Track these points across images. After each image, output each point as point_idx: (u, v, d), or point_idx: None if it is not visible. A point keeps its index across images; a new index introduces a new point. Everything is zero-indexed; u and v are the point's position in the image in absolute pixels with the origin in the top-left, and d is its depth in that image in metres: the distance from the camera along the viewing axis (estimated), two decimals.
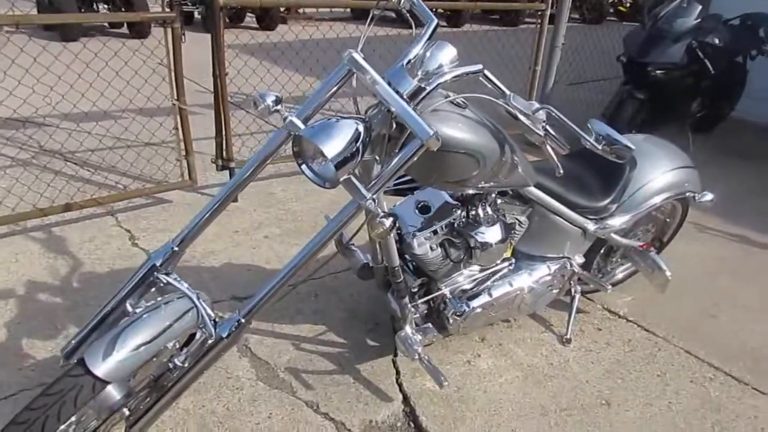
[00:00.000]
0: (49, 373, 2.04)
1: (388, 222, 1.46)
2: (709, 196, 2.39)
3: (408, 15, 1.64)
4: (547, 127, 1.61)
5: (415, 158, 1.44)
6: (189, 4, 8.43)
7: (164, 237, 2.97)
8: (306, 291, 2.62)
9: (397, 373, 2.16)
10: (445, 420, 1.95)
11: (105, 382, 1.34)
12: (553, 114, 1.57)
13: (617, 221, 2.24)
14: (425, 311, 2.09)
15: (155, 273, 1.58)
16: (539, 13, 4.22)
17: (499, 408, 2.01)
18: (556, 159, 1.63)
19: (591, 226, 2.21)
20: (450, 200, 1.97)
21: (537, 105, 1.59)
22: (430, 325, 2.10)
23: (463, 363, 2.22)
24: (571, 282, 2.36)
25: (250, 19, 10.30)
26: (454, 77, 1.49)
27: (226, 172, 3.42)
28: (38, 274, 2.62)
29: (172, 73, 2.96)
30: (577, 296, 2.41)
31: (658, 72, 3.94)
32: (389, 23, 4.16)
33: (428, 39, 1.54)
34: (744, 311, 2.64)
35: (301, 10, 11.16)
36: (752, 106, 5.09)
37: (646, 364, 2.26)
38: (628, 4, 13.65)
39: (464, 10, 9.80)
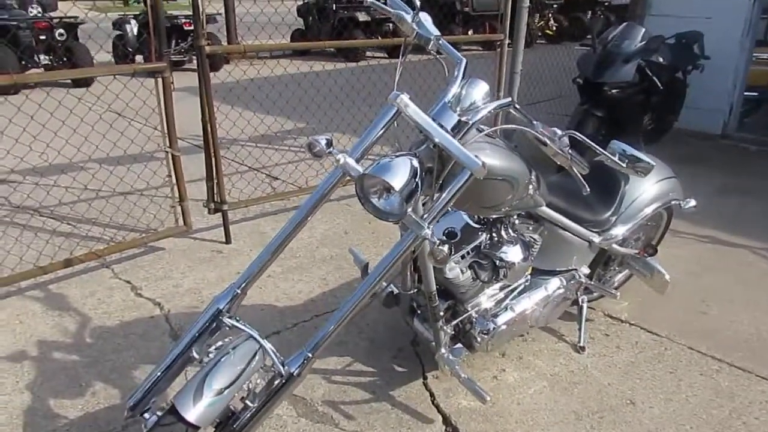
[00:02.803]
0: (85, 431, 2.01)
1: (446, 249, 1.56)
2: (693, 203, 2.60)
3: (436, 55, 1.76)
4: (570, 150, 1.76)
5: (464, 188, 1.56)
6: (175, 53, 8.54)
7: (167, 285, 2.96)
8: (321, 325, 2.66)
9: (431, 395, 2.23)
10: None
11: (196, 428, 1.36)
12: (578, 137, 1.72)
13: (618, 232, 2.41)
14: (452, 333, 2.19)
15: (220, 317, 1.60)
16: (498, 43, 4.46)
17: (535, 418, 2.11)
18: (581, 179, 1.78)
19: (596, 239, 2.37)
20: (473, 224, 2.09)
21: (559, 132, 1.75)
22: (460, 345, 2.20)
23: (490, 379, 2.32)
24: (578, 292, 2.52)
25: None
26: (491, 111, 1.63)
27: (218, 216, 3.43)
28: (47, 333, 2.56)
29: (164, 122, 2.97)
30: (585, 305, 2.56)
31: (613, 91, 4.24)
32: (328, 57, 4.30)
33: (462, 77, 1.66)
34: (730, 305, 2.86)
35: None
36: (690, 117, 5.50)
37: (657, 363, 2.42)
38: (554, 28, 14.49)
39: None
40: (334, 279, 3.05)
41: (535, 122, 1.72)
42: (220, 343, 1.62)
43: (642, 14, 5.69)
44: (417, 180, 1.46)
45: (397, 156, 1.50)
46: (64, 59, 8.12)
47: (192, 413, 1.35)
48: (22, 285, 2.90)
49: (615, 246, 2.47)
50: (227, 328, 1.61)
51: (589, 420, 2.10)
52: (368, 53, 11.36)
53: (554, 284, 2.33)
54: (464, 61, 1.70)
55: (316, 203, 1.62)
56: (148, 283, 2.99)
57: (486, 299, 2.20)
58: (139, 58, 9.13)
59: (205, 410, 1.37)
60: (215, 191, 3.30)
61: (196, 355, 1.58)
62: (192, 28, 8.99)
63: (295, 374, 1.55)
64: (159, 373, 1.59)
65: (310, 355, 1.57)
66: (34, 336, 2.54)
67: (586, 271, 2.48)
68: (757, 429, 2.08)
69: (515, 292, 2.26)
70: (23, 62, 7.91)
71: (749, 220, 3.86)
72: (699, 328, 2.67)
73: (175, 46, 8.99)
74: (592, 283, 2.49)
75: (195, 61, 9.20)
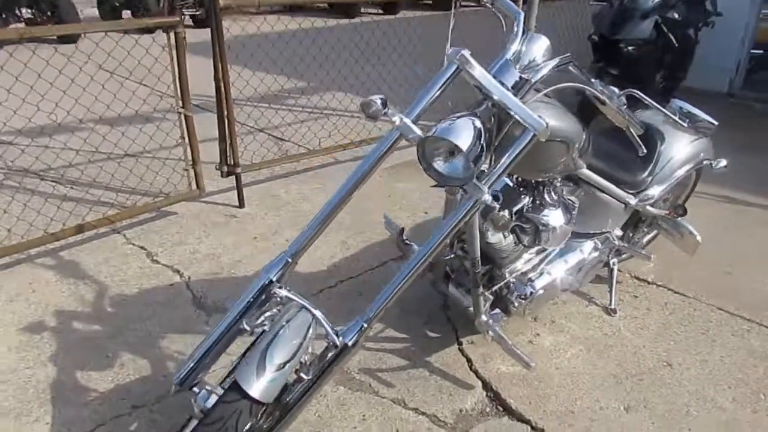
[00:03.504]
0: (118, 405, 1.95)
1: (507, 214, 1.50)
2: (723, 163, 2.56)
3: (493, 9, 1.66)
4: (627, 109, 1.70)
5: (526, 150, 1.49)
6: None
7: (183, 251, 2.88)
8: (348, 291, 2.62)
9: (468, 360, 2.20)
10: (531, 399, 2.02)
11: (261, 404, 1.31)
12: (638, 96, 1.65)
13: (653, 192, 2.37)
14: (492, 299, 2.15)
15: (270, 287, 1.53)
16: None
17: (576, 381, 2.09)
18: (638, 139, 1.72)
19: (632, 200, 2.32)
20: (515, 187, 2.03)
21: (617, 90, 1.67)
22: (498, 310, 2.16)
23: (526, 343, 2.29)
24: (609, 255, 2.48)
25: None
26: (552, 68, 1.55)
27: (229, 179, 3.32)
28: (63, 302, 2.48)
29: (177, 81, 2.84)
30: (615, 268, 2.53)
31: (629, 48, 4.15)
32: (320, 13, 4.16)
33: (523, 32, 1.57)
34: (752, 264, 2.86)
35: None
36: (697, 74, 5.43)
37: (688, 324, 2.41)
38: None
39: None
40: (355, 243, 2.98)
41: (593, 80, 1.64)
42: (269, 314, 1.55)
43: None
44: (482, 141, 1.39)
45: (458, 117, 1.42)
46: (49, 14, 7.77)
47: (256, 389, 1.30)
48: (32, 252, 2.80)
49: (648, 207, 2.43)
50: (278, 299, 1.54)
51: (629, 383, 2.09)
52: (363, 9, 11.05)
53: (589, 247, 2.30)
54: (522, 14, 1.61)
55: (372, 167, 1.54)
56: (163, 249, 2.90)
57: (522, 263, 2.16)
58: (126, 13, 8.76)
59: (268, 386, 1.32)
60: (228, 154, 3.19)
61: (247, 328, 1.51)
62: None
63: (350, 344, 1.50)
64: (207, 347, 1.53)
65: (365, 324, 1.52)
66: (51, 305, 2.45)
67: (619, 233, 2.45)
68: None
69: (551, 256, 2.22)
70: (3, 16, 7.57)
71: (762, 179, 3.84)
72: (725, 288, 2.66)
73: (164, 1, 8.63)
74: (627, 245, 2.45)
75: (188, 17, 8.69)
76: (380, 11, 10.79)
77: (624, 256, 2.59)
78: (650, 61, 4.31)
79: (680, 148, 2.45)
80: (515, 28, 1.59)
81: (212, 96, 3.10)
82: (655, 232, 2.76)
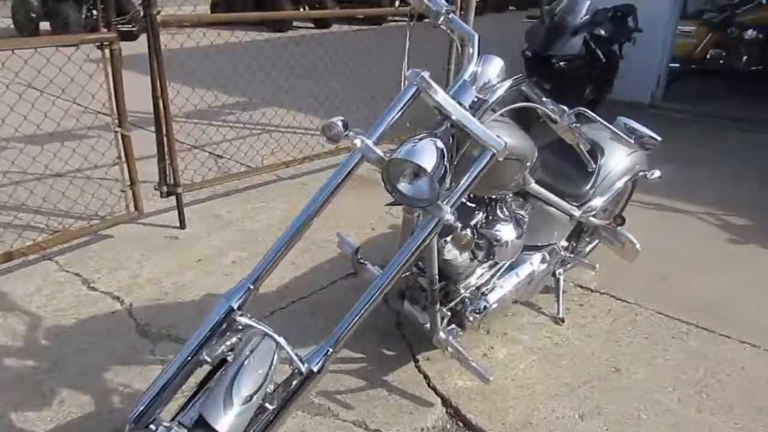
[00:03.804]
0: None
1: (470, 233, 1.51)
2: (657, 173, 2.69)
3: (447, 30, 1.68)
4: (577, 126, 1.76)
5: (487, 168, 1.51)
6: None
7: (123, 276, 2.74)
8: (299, 311, 2.57)
9: (426, 377, 2.20)
10: (490, 413, 2.03)
11: None
12: (587, 114, 1.71)
13: (596, 204, 2.46)
14: (450, 315, 2.16)
15: (231, 315, 1.48)
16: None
17: (532, 392, 2.13)
18: (587, 155, 1.78)
19: (577, 212, 2.40)
20: (469, 203, 2.05)
21: (567, 109, 1.73)
22: (453, 325, 2.17)
23: (481, 357, 2.32)
24: (556, 265, 2.55)
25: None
26: (508, 89, 1.58)
27: (167, 199, 3.20)
28: None
29: (113, 98, 2.72)
30: (561, 278, 2.60)
31: (561, 63, 4.32)
32: (253, 26, 4.11)
33: (478, 54, 1.60)
34: (685, 269, 3.01)
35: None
36: (621, 87, 5.71)
37: (632, 330, 2.51)
38: None
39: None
40: (303, 262, 2.93)
41: (545, 99, 1.69)
42: (229, 343, 1.50)
43: None
44: (445, 162, 1.39)
45: (420, 139, 1.42)
46: None
47: (223, 424, 1.24)
48: None
49: (591, 218, 2.52)
50: (239, 327, 1.48)
51: (582, 390, 2.15)
52: (294, 23, 10.98)
53: (538, 259, 2.35)
54: (476, 35, 1.64)
55: (333, 190, 1.51)
56: (100, 275, 2.76)
57: (475, 278, 2.19)
58: (44, 25, 8.33)
59: (236, 420, 1.27)
60: (167, 173, 3.08)
61: (207, 359, 1.45)
62: None
63: (315, 370, 1.46)
64: (165, 381, 1.45)
65: (330, 349, 1.49)
66: None
67: (565, 244, 2.53)
68: (729, 385, 2.20)
69: (502, 270, 2.26)
70: None
71: (686, 185, 4.07)
72: (662, 293, 2.79)
73: (87, 13, 8.26)
74: (572, 256, 2.53)
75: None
76: (312, 25, 10.77)
77: (569, 266, 2.67)
78: (580, 75, 4.51)
79: (618, 161, 2.56)
80: (470, 50, 1.61)
81: (147, 112, 2.98)
82: (596, 241, 2.86)
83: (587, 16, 4.30)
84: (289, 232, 1.52)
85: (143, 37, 2.89)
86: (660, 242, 3.26)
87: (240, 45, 4.34)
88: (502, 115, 1.68)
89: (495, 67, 1.60)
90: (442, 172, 1.37)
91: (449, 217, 1.48)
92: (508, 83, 1.59)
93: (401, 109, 1.52)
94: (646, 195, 3.81)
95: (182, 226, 3.20)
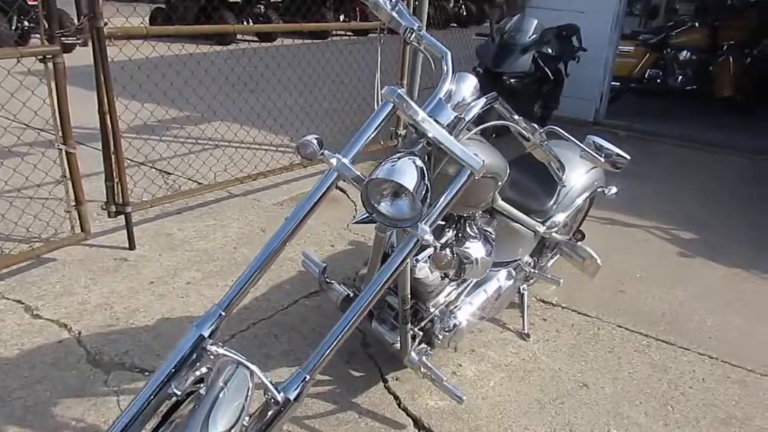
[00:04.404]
0: None
1: (449, 253, 1.48)
2: (614, 190, 2.75)
3: (420, 48, 1.66)
4: (548, 144, 1.77)
5: (465, 187, 1.49)
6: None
7: (70, 302, 2.58)
8: (262, 333, 2.47)
9: (396, 398, 2.15)
10: None
11: None
12: (557, 132, 1.72)
13: (558, 219, 2.49)
14: (421, 334, 2.12)
15: (202, 345, 1.39)
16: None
17: (504, 410, 2.12)
18: (557, 173, 1.79)
19: (541, 228, 2.42)
20: (439, 222, 2.03)
21: (538, 127, 1.74)
22: (423, 345, 2.14)
23: (450, 375, 2.29)
24: (520, 281, 2.56)
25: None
26: (483, 107, 1.57)
27: (120, 219, 3.04)
28: None
29: (57, 114, 2.57)
30: (526, 293, 2.62)
31: (512, 80, 4.40)
32: (194, 39, 4.01)
33: (453, 71, 1.58)
34: (640, 282, 3.09)
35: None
36: (566, 105, 5.88)
37: (596, 344, 2.54)
38: (464, 13, 15.66)
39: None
40: (263, 282, 2.83)
41: (517, 117, 1.69)
42: (199, 373, 1.41)
43: (522, 6, 5.95)
44: (426, 181, 1.36)
45: (399, 158, 1.39)
46: None
47: None
48: None
49: (554, 234, 2.55)
50: (210, 356, 1.40)
51: (552, 407, 2.15)
52: (238, 36, 10.83)
53: (504, 275, 2.35)
54: (449, 53, 1.62)
55: (309, 211, 1.45)
56: (45, 302, 2.58)
57: (444, 296, 2.17)
58: None
59: None
60: (116, 192, 2.93)
61: (177, 392, 1.35)
62: (36, 2, 7.94)
63: (292, 399, 1.39)
64: (132, 415, 1.35)
65: (307, 377, 1.43)
66: None
67: (529, 260, 2.54)
68: (693, 397, 2.25)
69: (470, 287, 2.25)
70: None
71: (636, 200, 4.20)
72: (621, 306, 2.85)
73: (17, 24, 7.87)
74: (536, 272, 2.55)
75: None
76: (256, 38, 10.64)
77: (532, 281, 2.69)
78: (530, 92, 4.61)
79: (579, 177, 2.60)
80: (444, 67, 1.59)
81: (90, 128, 2.83)
82: (557, 256, 2.90)
83: (535, 35, 4.41)
84: (263, 255, 1.45)
85: (80, 49, 2.76)
86: (616, 256, 3.34)
87: (183, 58, 4.19)
88: (475, 133, 1.67)
89: (469, 84, 1.59)
90: (424, 191, 1.34)
91: (428, 237, 1.45)
92: (482, 101, 1.58)
93: (377, 127, 1.48)
94: (601, 210, 3.91)
95: (132, 246, 3.05)
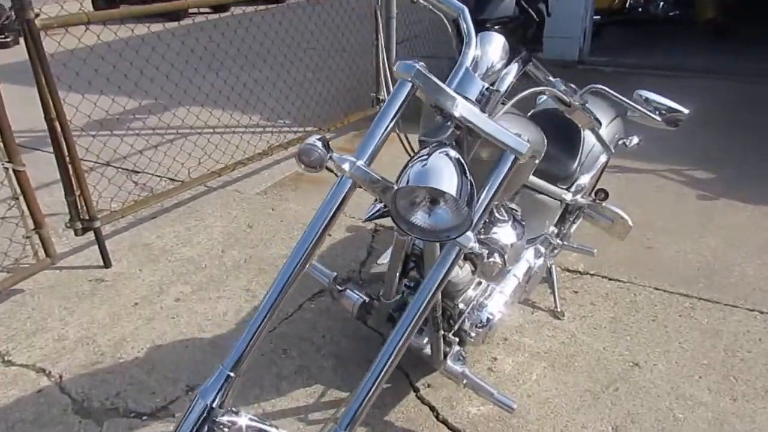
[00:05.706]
0: None
1: (499, 259, 1.21)
2: (636, 140, 2.48)
3: (430, 6, 1.35)
4: (588, 108, 1.49)
5: (510, 175, 1.20)
6: None
7: (44, 341, 2.26)
8: (269, 350, 2.19)
9: (432, 409, 1.90)
10: None
11: None
12: (603, 91, 1.44)
13: (583, 182, 2.22)
14: (456, 339, 1.87)
15: (213, 415, 1.11)
16: None
17: (554, 408, 1.88)
18: (602, 138, 1.51)
19: (568, 196, 2.15)
20: None
21: (576, 88, 1.45)
22: (458, 347, 1.88)
23: (486, 372, 2.05)
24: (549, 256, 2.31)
25: None
26: (518, 73, 1.28)
27: (89, 234, 2.70)
28: None
29: None
30: (554, 267, 2.37)
31: (496, 27, 4.04)
32: (146, 19, 3.60)
33: (476, 32, 1.28)
34: (667, 235, 2.86)
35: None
36: (549, 46, 5.56)
37: (636, 313, 2.31)
38: None
39: None
40: (260, 288, 2.55)
41: (553, 79, 1.40)
42: None
43: None
44: (468, 176, 1.06)
45: (428, 153, 1.08)
46: None
47: None
48: None
49: (580, 199, 2.28)
50: (225, 428, 1.12)
51: (606, 396, 1.92)
52: (191, 9, 10.18)
53: (532, 254, 2.09)
54: (465, 9, 1.32)
55: (325, 227, 1.14)
56: (15, 343, 2.26)
57: (472, 290, 1.90)
58: None
59: None
60: (79, 206, 2.58)
61: None
62: None
63: None
64: None
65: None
66: None
67: (555, 231, 2.28)
68: (754, 363, 2.04)
69: None
70: None
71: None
72: (652, 266, 2.62)
73: None
74: (567, 243, 2.29)
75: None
76: (210, 10, 10.04)
77: (557, 251, 2.44)
78: (516, 37, 4.26)
79: (601, 132, 2.32)
80: (463, 27, 1.29)
81: (42, 129, 2.45)
82: (579, 220, 2.64)
83: None
84: (273, 294, 1.16)
85: (22, 42, 2.37)
86: (633, 208, 3.08)
87: (134, 44, 3.77)
88: (510, 106, 1.37)
89: (497, 46, 1.31)
90: (468, 189, 1.04)
91: (474, 245, 1.16)
92: (514, 67, 1.29)
93: (395, 115, 1.17)
94: None
95: (107, 264, 2.72)
